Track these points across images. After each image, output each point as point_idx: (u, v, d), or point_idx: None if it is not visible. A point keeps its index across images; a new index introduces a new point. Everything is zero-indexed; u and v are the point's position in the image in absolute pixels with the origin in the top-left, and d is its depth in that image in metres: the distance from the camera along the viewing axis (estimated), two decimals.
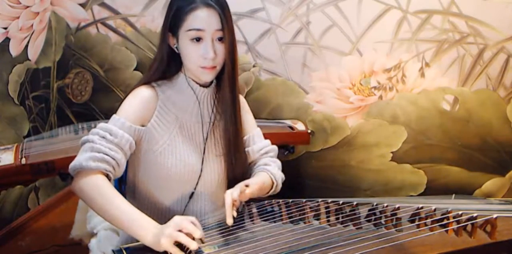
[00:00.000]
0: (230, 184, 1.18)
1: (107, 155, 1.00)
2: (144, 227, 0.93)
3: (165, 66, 1.12)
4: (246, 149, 1.22)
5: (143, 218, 0.95)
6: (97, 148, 1.00)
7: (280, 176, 1.22)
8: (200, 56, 1.05)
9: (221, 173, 1.18)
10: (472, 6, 1.87)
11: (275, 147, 1.28)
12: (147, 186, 1.15)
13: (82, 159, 0.99)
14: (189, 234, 0.89)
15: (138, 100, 1.09)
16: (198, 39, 1.04)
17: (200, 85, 1.14)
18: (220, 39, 1.06)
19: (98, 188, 0.97)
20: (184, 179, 1.13)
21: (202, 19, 1.03)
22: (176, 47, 1.09)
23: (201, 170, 1.14)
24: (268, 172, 1.19)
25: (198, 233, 0.88)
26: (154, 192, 1.15)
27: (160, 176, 1.12)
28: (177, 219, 0.91)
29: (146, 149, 1.11)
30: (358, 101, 2.11)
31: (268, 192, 1.19)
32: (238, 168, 1.18)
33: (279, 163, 1.27)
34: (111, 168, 1.01)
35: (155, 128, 1.10)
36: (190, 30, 1.03)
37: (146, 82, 1.12)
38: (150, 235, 0.91)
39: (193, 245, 0.86)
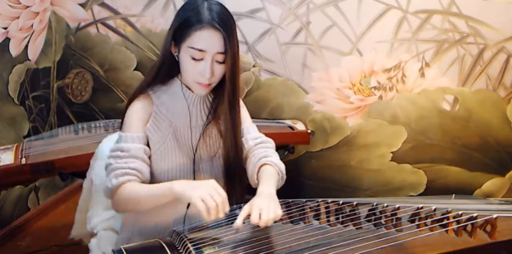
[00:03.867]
0: (228, 185, 1.19)
1: (125, 168, 1.07)
2: (168, 186, 1.00)
3: (165, 70, 1.14)
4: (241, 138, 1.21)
5: (162, 184, 1.02)
6: (114, 167, 1.08)
7: (283, 167, 1.18)
8: (197, 73, 1.07)
9: (213, 175, 1.19)
10: (472, 6, 1.87)
11: (271, 139, 1.25)
12: None
13: (107, 182, 1.09)
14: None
15: (135, 112, 1.13)
16: (199, 58, 1.05)
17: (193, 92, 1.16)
18: (220, 60, 1.07)
19: (129, 195, 1.06)
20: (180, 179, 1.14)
21: (206, 40, 1.03)
22: (177, 56, 1.10)
23: (194, 174, 1.16)
24: (272, 163, 1.16)
25: (224, 211, 0.94)
26: None
27: (156, 179, 1.15)
28: (211, 185, 0.96)
29: None
30: (358, 101, 2.11)
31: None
32: (235, 171, 1.19)
33: (277, 155, 1.23)
34: (134, 177, 1.08)
35: (151, 132, 1.13)
36: (192, 48, 1.04)
37: (143, 89, 1.15)
38: (176, 185, 0.98)
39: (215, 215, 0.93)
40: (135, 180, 1.08)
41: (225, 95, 1.12)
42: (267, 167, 1.15)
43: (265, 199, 1.01)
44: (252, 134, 1.22)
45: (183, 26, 1.05)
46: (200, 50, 1.04)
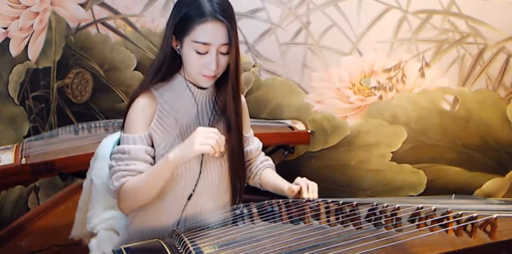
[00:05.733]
0: (233, 183, 1.19)
1: (125, 170, 1.08)
2: (163, 159, 1.04)
3: (167, 67, 1.12)
4: (245, 148, 1.24)
5: (157, 163, 1.07)
6: (116, 169, 1.09)
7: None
8: (202, 65, 1.05)
9: (220, 174, 1.18)
10: (472, 6, 1.87)
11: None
12: None
13: (110, 184, 1.11)
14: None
15: (137, 111, 1.11)
16: (204, 52, 1.04)
17: (198, 87, 1.14)
18: (224, 52, 1.06)
19: (133, 187, 1.08)
20: (184, 180, 1.13)
21: (210, 33, 1.02)
22: (178, 49, 1.09)
23: (200, 172, 1.14)
24: (272, 166, 1.33)
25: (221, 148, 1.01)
26: None
27: None
28: (202, 130, 1.01)
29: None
30: (358, 101, 2.11)
31: None
32: (239, 166, 1.19)
33: None
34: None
35: (155, 131, 1.11)
36: (196, 42, 1.03)
37: (145, 87, 1.13)
38: (170, 155, 1.02)
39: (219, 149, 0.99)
40: None
41: (228, 85, 1.11)
42: (270, 169, 1.32)
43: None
44: (254, 145, 1.30)
45: (184, 20, 1.03)
46: (205, 43, 1.02)
